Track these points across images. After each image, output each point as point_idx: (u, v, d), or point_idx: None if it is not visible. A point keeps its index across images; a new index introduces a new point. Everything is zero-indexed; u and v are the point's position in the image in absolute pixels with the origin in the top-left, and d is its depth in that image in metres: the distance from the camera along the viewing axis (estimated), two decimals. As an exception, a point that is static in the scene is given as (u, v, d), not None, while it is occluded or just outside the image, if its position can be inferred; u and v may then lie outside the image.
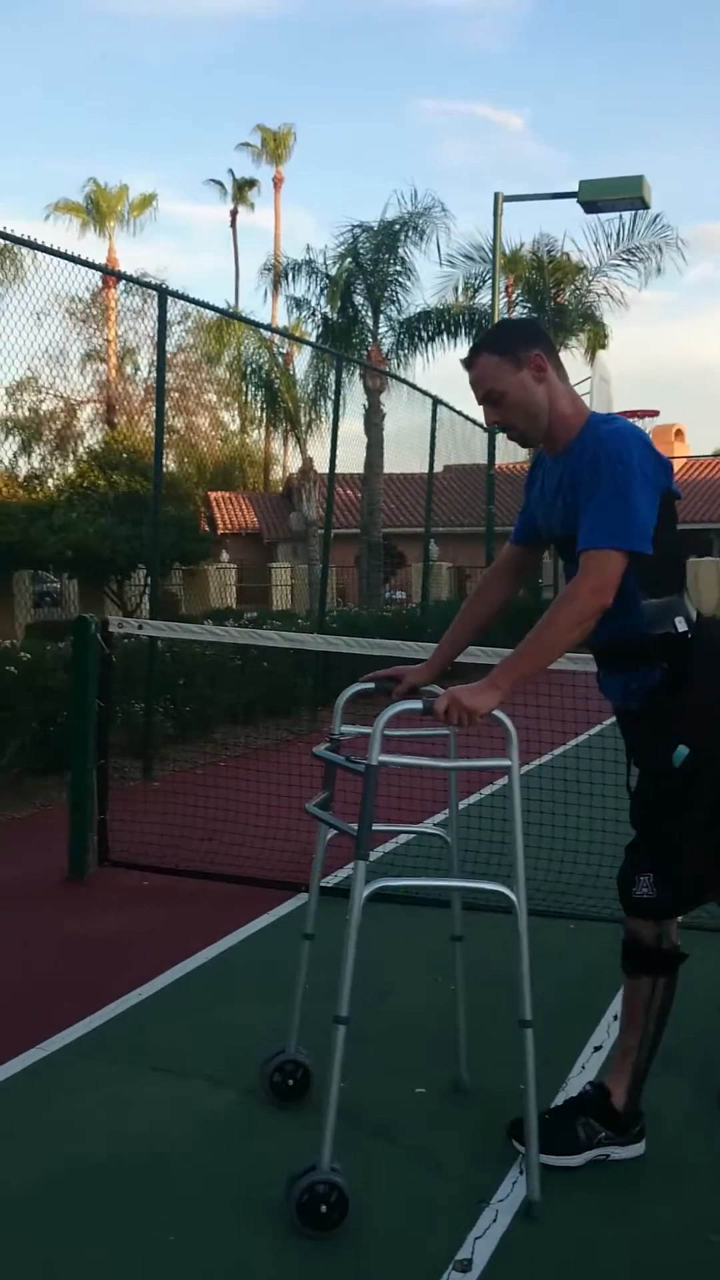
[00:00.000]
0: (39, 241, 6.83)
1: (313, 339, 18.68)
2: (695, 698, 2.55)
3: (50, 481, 26.80)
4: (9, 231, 6.58)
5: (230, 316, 18.68)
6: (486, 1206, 2.50)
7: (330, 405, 19.98)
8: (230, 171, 46.81)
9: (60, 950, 4.27)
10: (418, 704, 2.52)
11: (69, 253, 7.09)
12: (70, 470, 22.54)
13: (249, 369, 20.98)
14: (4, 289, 20.80)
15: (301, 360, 27.01)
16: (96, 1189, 2.59)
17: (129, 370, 32.96)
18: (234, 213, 44.11)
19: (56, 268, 7.44)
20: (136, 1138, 2.82)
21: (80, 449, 28.16)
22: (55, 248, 6.97)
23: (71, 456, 29.66)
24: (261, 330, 20.28)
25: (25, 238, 6.72)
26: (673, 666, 2.56)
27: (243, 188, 43.41)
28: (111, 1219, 2.47)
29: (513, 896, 2.53)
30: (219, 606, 23.22)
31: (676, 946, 2.71)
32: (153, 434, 8.82)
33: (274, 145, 42.39)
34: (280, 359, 21.26)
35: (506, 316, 19.47)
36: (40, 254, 7.06)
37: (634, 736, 2.70)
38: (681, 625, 2.57)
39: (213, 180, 43.80)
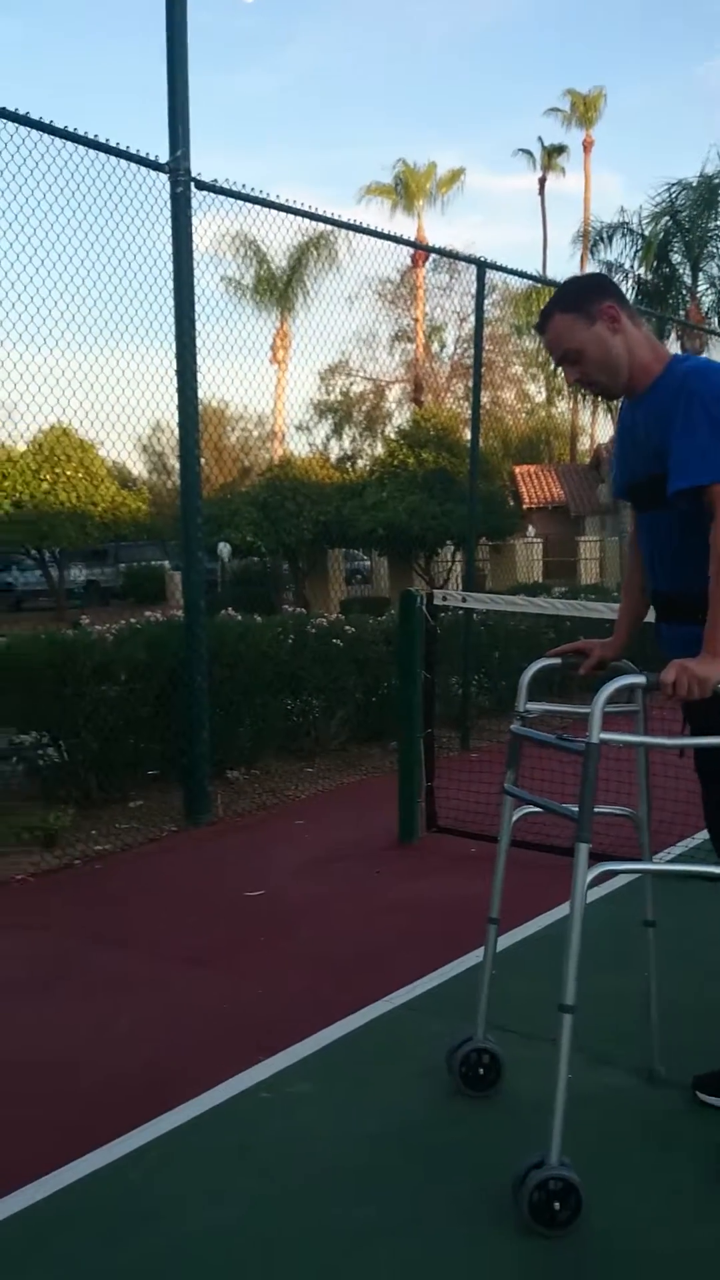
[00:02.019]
0: (361, 224, 7.01)
1: (626, 303, 18.18)
2: None
3: (360, 462, 27.67)
4: (334, 216, 6.80)
5: (548, 284, 18.46)
6: None
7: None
8: (539, 139, 46.07)
9: (398, 909, 4.41)
10: (641, 678, 2.43)
11: (389, 232, 7.26)
12: (380, 450, 23.11)
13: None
14: (322, 273, 21.53)
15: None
16: (444, 1141, 2.66)
17: (435, 348, 33.38)
18: (542, 180, 43.45)
19: (370, 250, 7.56)
20: (487, 1095, 2.88)
21: (389, 428, 28.85)
22: (376, 229, 7.14)
23: (380, 436, 30.43)
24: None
25: (350, 221, 6.92)
26: None
27: (552, 154, 42.68)
28: (458, 1172, 2.52)
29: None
30: (525, 581, 23.15)
31: None
32: (459, 409, 8.90)
33: (584, 109, 41.40)
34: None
35: None
36: (356, 238, 7.25)
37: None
38: None
39: (521, 150, 43.28)
